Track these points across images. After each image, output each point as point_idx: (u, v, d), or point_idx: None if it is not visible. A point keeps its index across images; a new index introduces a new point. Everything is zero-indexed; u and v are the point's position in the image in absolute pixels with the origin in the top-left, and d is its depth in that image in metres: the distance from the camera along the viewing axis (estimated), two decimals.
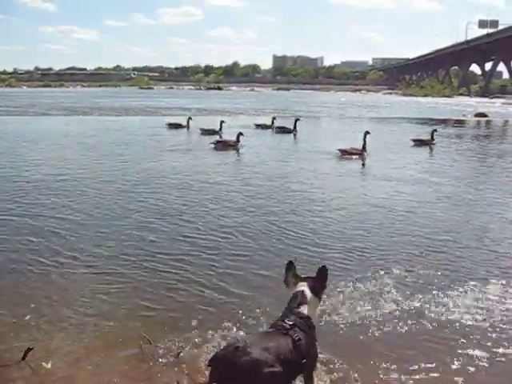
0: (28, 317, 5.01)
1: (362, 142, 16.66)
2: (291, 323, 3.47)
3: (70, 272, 6.27)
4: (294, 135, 23.28)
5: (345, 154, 16.57)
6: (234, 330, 4.83)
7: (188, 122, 24.69)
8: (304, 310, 3.64)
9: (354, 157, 16.29)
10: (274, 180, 12.43)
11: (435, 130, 20.40)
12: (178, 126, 24.94)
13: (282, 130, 24.16)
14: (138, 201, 10.05)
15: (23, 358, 4.22)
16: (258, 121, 28.26)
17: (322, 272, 3.84)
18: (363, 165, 15.73)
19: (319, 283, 3.82)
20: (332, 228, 8.35)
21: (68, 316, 5.11)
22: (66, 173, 12.83)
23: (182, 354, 4.39)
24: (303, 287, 3.75)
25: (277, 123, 25.41)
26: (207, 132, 22.07)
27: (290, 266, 3.90)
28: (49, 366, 4.16)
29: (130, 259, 6.75)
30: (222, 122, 22.31)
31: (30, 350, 4.25)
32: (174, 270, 6.40)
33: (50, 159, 15.14)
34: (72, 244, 7.32)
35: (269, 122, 26.14)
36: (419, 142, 20.04)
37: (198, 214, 9.05)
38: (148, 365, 4.27)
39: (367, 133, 16.69)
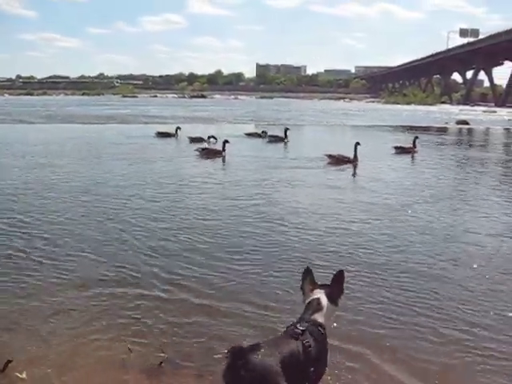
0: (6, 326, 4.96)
1: (353, 152, 16.63)
2: (302, 329, 3.42)
3: (43, 281, 6.18)
4: (285, 143, 23.38)
5: (333, 159, 16.69)
6: (218, 342, 4.74)
7: (176, 131, 24.69)
8: (318, 317, 3.57)
9: (343, 165, 16.33)
10: (251, 190, 12.27)
11: (417, 137, 20.61)
12: (166, 134, 24.85)
13: (275, 139, 24.22)
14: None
15: (2, 371, 4.14)
16: (249, 130, 28.44)
17: (339, 277, 3.76)
18: (354, 174, 15.79)
19: (337, 289, 3.74)
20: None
21: (46, 325, 5.02)
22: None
23: (164, 364, 4.33)
24: (319, 294, 3.68)
25: (268, 132, 25.52)
26: (195, 140, 22.07)
27: (308, 272, 3.81)
28: (23, 375, 4.09)
29: (104, 266, 6.71)
30: (211, 136, 22.19)
31: (9, 361, 4.18)
32: (155, 275, 6.37)
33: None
34: (44, 250, 7.29)
35: (258, 131, 26.38)
36: (401, 150, 20.19)
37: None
38: (129, 375, 4.19)
39: (357, 144, 16.77)
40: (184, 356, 4.49)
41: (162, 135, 24.84)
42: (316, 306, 3.62)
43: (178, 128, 24.89)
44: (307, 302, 3.69)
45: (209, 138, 22.05)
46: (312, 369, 3.38)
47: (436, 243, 8.02)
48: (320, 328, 3.55)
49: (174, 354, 4.51)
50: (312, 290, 3.72)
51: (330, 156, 16.92)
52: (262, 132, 25.82)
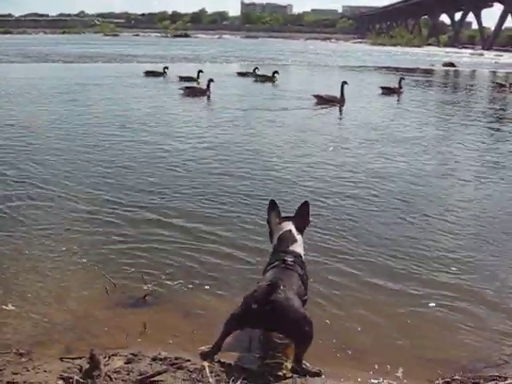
0: None
1: (339, 91, 16.53)
2: (292, 259, 3.53)
3: (27, 212, 6.27)
4: (273, 82, 23.21)
5: (320, 100, 16.57)
6: (202, 274, 4.84)
7: (164, 70, 24.53)
8: (296, 248, 3.68)
9: (330, 105, 16.25)
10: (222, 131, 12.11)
11: (402, 78, 20.58)
12: (156, 73, 24.63)
13: (263, 79, 24.01)
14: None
15: None
16: (240, 69, 28.43)
17: (304, 208, 3.86)
18: (341, 112, 15.83)
19: (303, 220, 3.84)
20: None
21: (27, 261, 5.01)
22: None
23: (148, 297, 4.34)
24: (290, 226, 3.76)
25: (255, 71, 25.47)
26: (185, 79, 21.70)
27: (273, 205, 3.87)
28: (10, 307, 4.11)
29: (90, 199, 6.79)
30: (199, 71, 22.04)
31: None
32: (138, 210, 6.45)
33: None
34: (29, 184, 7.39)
35: (249, 70, 26.26)
36: (387, 90, 20.22)
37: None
38: (114, 309, 4.19)
39: (344, 83, 16.63)
40: (168, 288, 4.53)
41: (151, 74, 24.53)
42: (291, 238, 3.72)
43: (166, 67, 24.70)
44: (279, 234, 3.77)
45: (198, 72, 21.83)
46: (306, 297, 3.54)
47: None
48: (301, 258, 3.68)
49: (158, 286, 4.52)
50: (280, 223, 3.80)
51: (317, 96, 16.81)
52: (254, 70, 25.62)
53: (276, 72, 23.93)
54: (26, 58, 35.74)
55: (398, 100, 18.90)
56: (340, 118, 15.21)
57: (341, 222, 6.22)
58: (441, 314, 4.30)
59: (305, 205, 3.87)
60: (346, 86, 16.58)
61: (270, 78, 23.64)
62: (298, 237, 3.77)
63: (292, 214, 3.90)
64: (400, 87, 20.11)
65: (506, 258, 5.36)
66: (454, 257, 5.33)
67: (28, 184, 7.39)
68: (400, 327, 4.08)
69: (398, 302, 4.43)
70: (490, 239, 5.78)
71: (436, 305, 4.41)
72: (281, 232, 3.77)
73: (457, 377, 3.41)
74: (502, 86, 23.50)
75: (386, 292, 4.60)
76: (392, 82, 21.86)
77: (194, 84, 20.01)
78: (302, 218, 3.85)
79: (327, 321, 4.03)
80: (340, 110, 15.93)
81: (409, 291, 4.62)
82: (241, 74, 26.14)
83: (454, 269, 5.05)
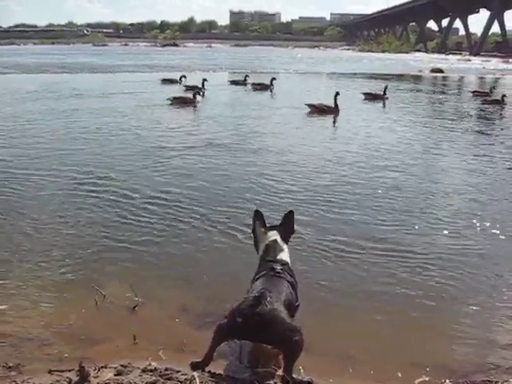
0: None
1: (333, 101, 16.49)
2: (281, 268, 3.54)
3: (18, 218, 6.32)
4: (271, 90, 23.30)
5: (314, 109, 16.62)
6: (193, 284, 4.82)
7: (181, 78, 25.26)
8: (283, 256, 3.70)
9: (324, 114, 16.28)
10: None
11: (387, 87, 20.87)
12: (172, 81, 25.70)
13: (259, 87, 24.02)
14: None
15: None
16: (232, 77, 28.85)
17: (289, 217, 3.88)
18: (334, 121, 15.87)
19: (288, 229, 3.87)
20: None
21: (19, 268, 5.01)
22: None
23: (137, 308, 4.31)
24: (275, 236, 3.79)
25: (249, 77, 26.00)
26: (192, 88, 21.67)
27: (258, 215, 3.89)
28: (2, 307, 4.17)
29: (76, 207, 6.81)
30: (204, 79, 22.10)
31: None
32: (128, 218, 6.45)
33: None
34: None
35: (241, 78, 26.55)
36: (370, 96, 20.64)
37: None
38: (103, 320, 4.15)
39: (337, 94, 16.67)
40: (158, 299, 4.50)
41: (167, 82, 25.64)
42: (278, 247, 3.75)
43: (183, 76, 25.45)
44: (265, 244, 3.79)
45: (203, 81, 21.83)
46: (297, 304, 3.54)
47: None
48: (288, 265, 3.69)
49: (148, 297, 4.48)
50: (265, 233, 3.83)
51: (310, 105, 16.83)
52: (245, 78, 25.97)
53: (274, 79, 23.99)
54: (27, 69, 35.16)
55: (383, 106, 19.29)
56: (334, 125, 15.31)
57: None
58: (430, 320, 4.31)
59: (289, 214, 3.89)
60: (338, 96, 16.56)
61: (268, 86, 23.68)
62: (284, 246, 3.79)
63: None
64: (384, 94, 20.43)
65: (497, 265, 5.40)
66: (437, 269, 5.31)
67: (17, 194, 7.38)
68: (391, 334, 4.09)
69: (388, 309, 4.44)
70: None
71: (426, 310, 4.43)
72: (267, 242, 3.78)
73: (448, 382, 3.42)
74: (483, 93, 22.65)
75: (377, 300, 4.60)
76: (378, 88, 22.04)
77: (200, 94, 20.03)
78: (287, 226, 3.87)
79: (319, 329, 4.00)
80: (335, 118, 16.02)
81: (399, 298, 4.64)
82: (233, 83, 26.42)
83: (438, 279, 5.02)
